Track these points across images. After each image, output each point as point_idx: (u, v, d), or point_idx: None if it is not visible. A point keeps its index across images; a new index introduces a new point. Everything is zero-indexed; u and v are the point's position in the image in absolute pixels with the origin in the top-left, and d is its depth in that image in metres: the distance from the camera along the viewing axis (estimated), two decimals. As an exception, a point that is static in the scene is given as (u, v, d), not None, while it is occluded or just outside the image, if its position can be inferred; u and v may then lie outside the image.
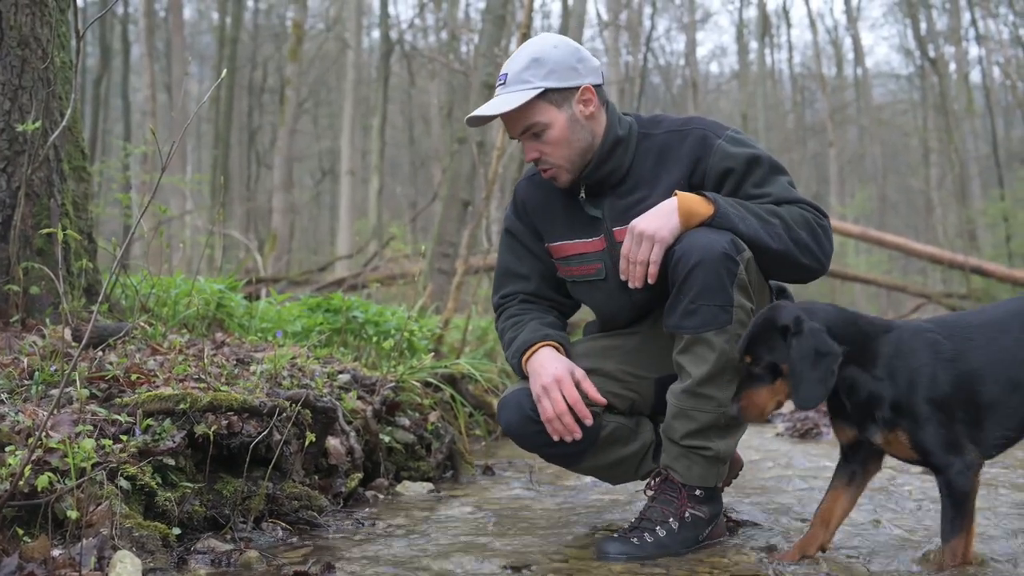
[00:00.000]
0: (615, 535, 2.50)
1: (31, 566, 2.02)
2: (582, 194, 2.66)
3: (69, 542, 2.16)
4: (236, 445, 2.74)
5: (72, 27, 3.89)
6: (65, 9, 3.90)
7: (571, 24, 14.94)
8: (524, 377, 2.64)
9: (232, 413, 2.76)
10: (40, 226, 3.58)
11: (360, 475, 3.35)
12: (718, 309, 2.36)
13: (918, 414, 2.16)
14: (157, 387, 2.83)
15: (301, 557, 2.45)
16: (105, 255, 4.49)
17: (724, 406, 2.37)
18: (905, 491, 3.31)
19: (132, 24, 25.20)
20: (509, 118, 2.58)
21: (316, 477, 3.15)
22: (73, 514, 2.13)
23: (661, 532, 2.46)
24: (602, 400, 2.55)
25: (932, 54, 27.10)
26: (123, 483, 2.35)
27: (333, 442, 3.28)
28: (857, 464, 2.34)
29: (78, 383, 2.64)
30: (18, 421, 2.41)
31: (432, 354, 4.85)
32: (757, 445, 4.49)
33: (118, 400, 2.71)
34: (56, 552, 2.10)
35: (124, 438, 2.49)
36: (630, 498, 3.28)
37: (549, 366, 2.55)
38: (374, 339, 5.06)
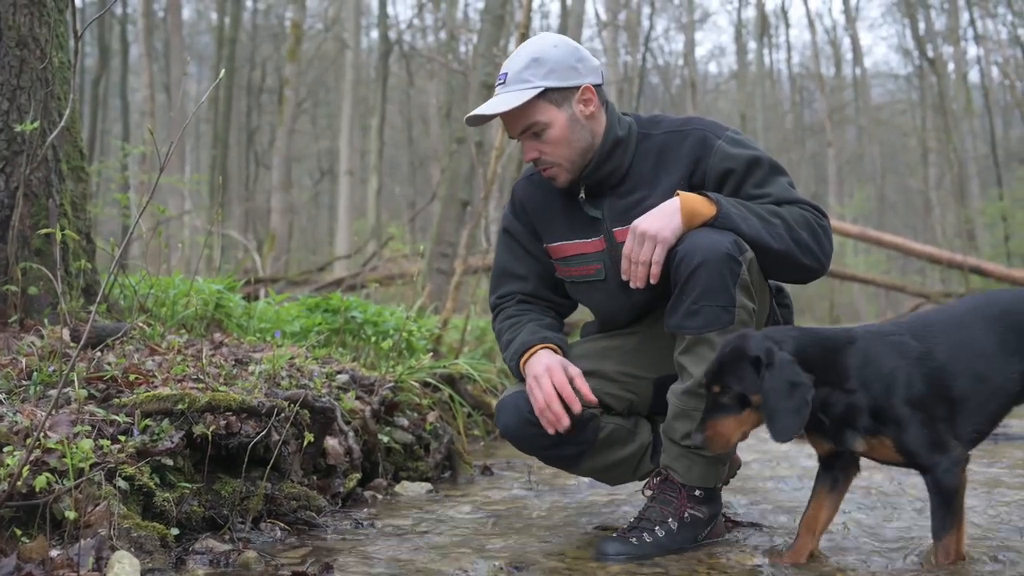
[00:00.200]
0: (614, 535, 2.50)
1: (29, 566, 2.02)
2: (582, 194, 2.65)
3: (67, 542, 2.15)
4: (234, 445, 2.74)
5: (70, 27, 3.89)
6: (63, 9, 3.90)
7: (570, 24, 14.94)
8: (522, 379, 2.64)
9: (230, 413, 2.76)
10: (38, 226, 3.57)
11: (358, 475, 3.35)
12: (720, 310, 2.35)
13: (899, 417, 2.16)
14: (155, 387, 2.83)
15: (299, 557, 2.45)
16: (103, 255, 4.49)
17: None
18: (904, 491, 3.31)
19: (130, 24, 25.20)
20: (509, 117, 2.57)
21: (314, 477, 3.15)
22: (71, 514, 2.13)
23: (660, 532, 2.46)
24: (594, 399, 2.53)
25: (931, 54, 27.14)
26: (121, 483, 2.35)
27: (331, 442, 3.28)
28: (837, 470, 2.34)
29: (76, 383, 2.64)
30: (16, 421, 2.41)
31: (431, 354, 4.85)
32: (756, 445, 4.49)
33: (116, 400, 2.71)
34: (54, 552, 2.10)
35: (122, 438, 2.49)
36: (629, 498, 3.27)
37: (543, 360, 2.55)
38: (373, 339, 5.06)
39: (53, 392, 2.59)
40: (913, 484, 3.45)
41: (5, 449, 2.28)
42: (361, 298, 7.53)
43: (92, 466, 2.25)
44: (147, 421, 2.62)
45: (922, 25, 28.22)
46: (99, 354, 3.07)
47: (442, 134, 21.92)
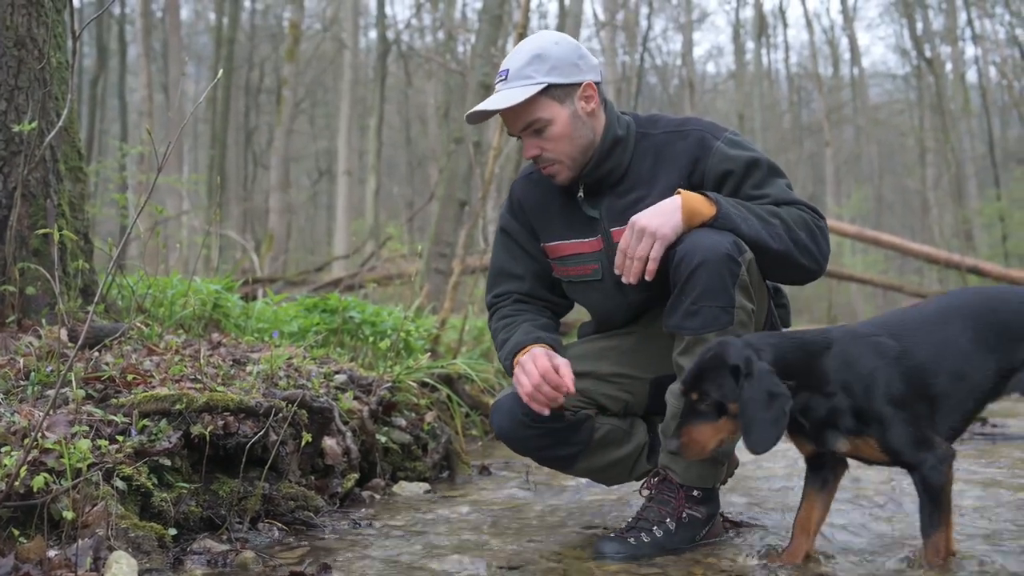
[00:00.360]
0: (612, 535, 2.50)
1: (27, 567, 2.02)
2: (581, 193, 2.65)
3: (65, 543, 2.16)
4: (232, 445, 2.74)
5: (68, 27, 3.89)
6: (61, 9, 3.90)
7: (568, 24, 14.94)
8: None
9: (228, 413, 2.76)
10: (36, 226, 3.57)
11: (356, 475, 3.35)
12: (720, 310, 2.35)
13: (883, 417, 2.16)
14: (153, 387, 2.83)
15: (297, 557, 2.45)
16: (101, 255, 4.49)
17: None
18: (901, 490, 3.32)
19: (129, 24, 25.18)
20: (510, 114, 2.56)
21: (312, 477, 3.15)
22: (69, 515, 2.13)
23: (658, 532, 2.47)
24: (573, 390, 2.47)
25: (928, 54, 27.16)
26: (119, 484, 2.35)
27: (329, 442, 3.28)
28: (826, 470, 2.34)
29: (74, 384, 2.64)
30: (14, 422, 2.41)
31: (428, 354, 4.85)
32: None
33: (114, 401, 2.71)
34: (52, 553, 2.10)
35: (120, 439, 2.49)
36: (627, 498, 3.28)
37: (531, 352, 2.53)
38: (370, 339, 5.06)
39: (51, 392, 2.59)
40: (910, 483, 3.45)
41: (3, 449, 2.28)
42: (359, 298, 7.53)
43: (90, 466, 2.25)
44: (145, 421, 2.62)
45: (920, 25, 28.24)
46: (97, 354, 3.07)
47: (440, 134, 21.91)
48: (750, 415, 2.10)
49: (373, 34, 27.24)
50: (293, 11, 18.52)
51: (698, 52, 45.79)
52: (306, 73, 27.67)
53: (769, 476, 3.71)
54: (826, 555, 2.40)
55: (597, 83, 2.61)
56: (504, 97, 2.52)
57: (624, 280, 2.45)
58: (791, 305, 2.90)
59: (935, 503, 2.18)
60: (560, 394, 2.48)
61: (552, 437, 2.62)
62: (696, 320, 2.37)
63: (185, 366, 3.15)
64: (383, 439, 3.65)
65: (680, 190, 2.43)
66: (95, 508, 2.23)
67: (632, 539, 2.44)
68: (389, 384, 3.87)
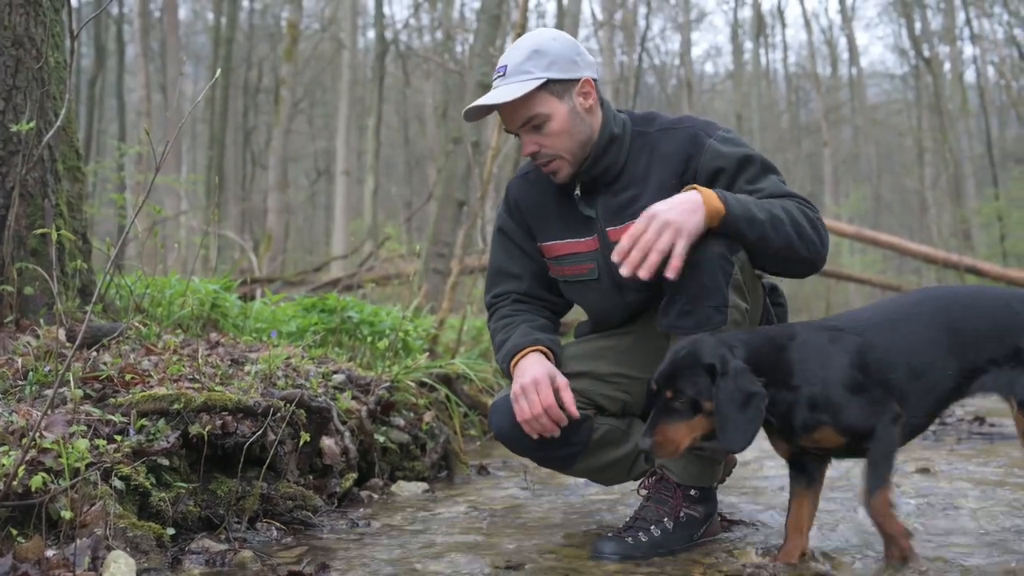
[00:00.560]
0: (610, 534, 2.50)
1: (25, 566, 2.02)
2: (577, 191, 2.65)
3: (63, 542, 2.16)
4: (230, 445, 2.74)
5: (66, 27, 3.89)
6: (59, 9, 3.90)
7: (566, 24, 14.94)
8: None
9: (226, 413, 2.76)
10: (34, 226, 3.57)
11: (355, 475, 3.35)
12: (713, 310, 2.35)
13: (835, 402, 2.17)
14: (151, 387, 2.83)
15: (296, 557, 2.45)
16: (100, 255, 4.48)
17: None
18: (900, 490, 3.32)
19: (127, 24, 25.16)
20: (509, 110, 2.55)
21: (311, 477, 3.15)
22: (67, 514, 2.13)
23: (656, 532, 2.47)
24: (576, 413, 2.50)
25: (927, 54, 27.17)
26: (117, 483, 2.35)
27: (328, 442, 3.28)
28: (810, 468, 2.34)
29: (72, 383, 2.64)
30: (12, 421, 2.41)
31: (427, 354, 4.85)
32: (753, 444, 4.49)
33: (112, 400, 2.71)
34: (50, 552, 2.10)
35: (118, 438, 2.49)
36: (625, 497, 3.28)
37: (530, 370, 2.53)
38: (369, 339, 5.06)
39: (49, 392, 2.59)
40: (908, 482, 3.45)
41: (1, 449, 2.28)
42: (357, 298, 7.52)
43: (88, 466, 2.25)
44: (143, 421, 2.62)
45: (918, 25, 28.25)
46: (95, 354, 3.07)
47: (438, 134, 21.91)
48: (726, 414, 2.10)
49: (371, 34, 27.27)
50: (291, 11, 18.51)
51: (696, 52, 45.74)
52: (304, 73, 27.66)
53: (767, 475, 3.71)
54: (823, 553, 2.40)
55: (594, 80, 2.61)
56: (503, 92, 2.52)
57: (640, 274, 2.29)
58: (789, 304, 2.90)
59: (887, 459, 2.17)
60: (557, 428, 2.49)
61: (550, 438, 2.62)
62: (690, 320, 2.37)
63: (183, 366, 3.15)
64: (381, 439, 3.65)
65: (696, 187, 2.35)
66: (93, 508, 2.23)
67: (630, 538, 2.45)
68: (387, 384, 3.87)
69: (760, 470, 3.86)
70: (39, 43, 3.66)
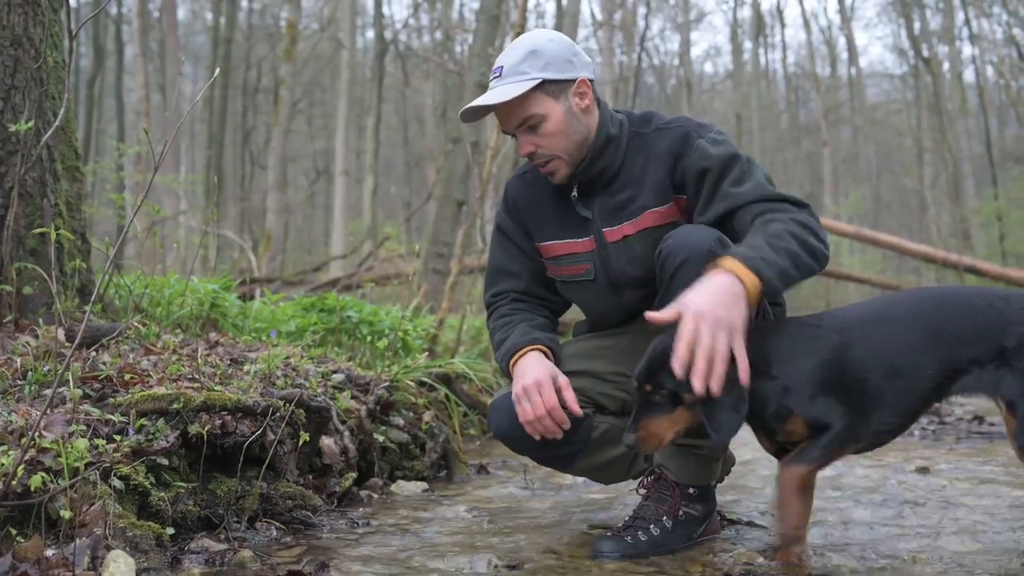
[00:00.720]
0: (609, 534, 2.50)
1: (24, 566, 2.02)
2: (574, 193, 2.65)
3: (62, 542, 2.15)
4: (230, 445, 2.74)
5: (65, 27, 3.89)
6: (58, 9, 3.90)
7: (565, 24, 14.93)
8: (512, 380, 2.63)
9: (226, 413, 2.76)
10: (33, 226, 3.57)
11: (354, 474, 3.35)
12: None
13: (806, 393, 2.18)
14: (151, 387, 2.83)
15: (295, 557, 2.45)
16: (99, 255, 4.48)
17: None
18: (897, 487, 3.32)
19: (126, 24, 25.17)
20: (505, 110, 2.54)
21: (310, 477, 3.15)
22: (66, 514, 2.13)
23: (655, 531, 2.47)
24: (579, 411, 2.50)
25: (926, 54, 27.18)
26: (116, 483, 2.35)
27: (327, 442, 3.28)
28: None
29: (71, 383, 2.64)
30: (11, 421, 2.41)
31: (426, 354, 4.85)
32: (751, 443, 4.50)
33: (111, 400, 2.71)
34: (49, 552, 2.10)
35: (118, 438, 2.49)
36: (624, 497, 3.28)
37: (532, 370, 2.52)
38: (368, 339, 5.06)
39: (48, 392, 2.59)
40: (907, 481, 3.46)
41: (0, 448, 2.28)
42: (357, 298, 7.52)
43: (87, 465, 2.25)
44: (142, 421, 2.62)
45: (917, 25, 28.26)
46: (94, 354, 3.07)
47: (438, 134, 21.91)
48: (711, 403, 2.11)
49: (370, 34, 27.29)
50: (290, 11, 18.52)
51: (696, 52, 45.77)
52: (303, 73, 27.66)
53: (765, 474, 3.71)
54: (820, 552, 2.40)
55: (591, 80, 2.61)
56: (499, 93, 2.51)
57: (712, 386, 2.08)
58: (788, 304, 2.90)
59: (826, 450, 2.18)
60: (560, 430, 2.49)
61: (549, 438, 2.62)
62: None
63: (182, 365, 3.15)
64: (381, 438, 3.65)
65: (730, 266, 2.16)
66: (93, 507, 2.23)
67: (629, 537, 2.45)
68: (387, 383, 3.87)
69: (759, 469, 3.86)
70: (38, 43, 3.66)
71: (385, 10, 29.95)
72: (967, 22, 27.89)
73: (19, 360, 2.94)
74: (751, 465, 3.93)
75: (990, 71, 28.59)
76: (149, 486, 2.45)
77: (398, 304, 6.52)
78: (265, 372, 3.32)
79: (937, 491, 3.27)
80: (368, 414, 3.60)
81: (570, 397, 2.49)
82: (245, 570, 2.32)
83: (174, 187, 15.82)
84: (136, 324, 3.69)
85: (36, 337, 3.21)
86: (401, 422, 3.86)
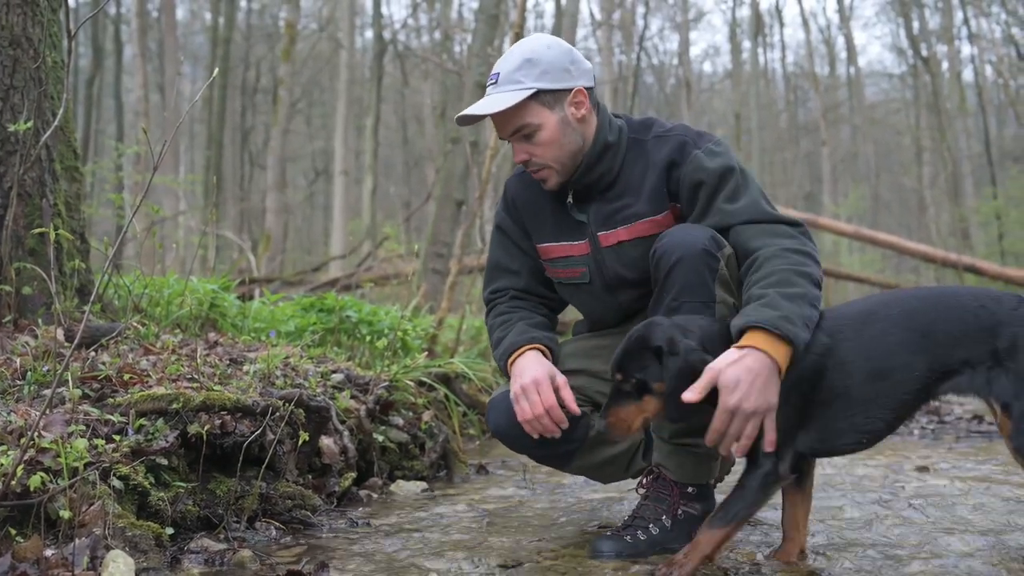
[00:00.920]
0: (608, 533, 2.51)
1: (24, 566, 2.02)
2: (569, 199, 2.64)
3: (62, 542, 2.15)
4: (229, 445, 2.74)
5: (64, 27, 3.88)
6: (57, 9, 3.89)
7: (564, 24, 14.93)
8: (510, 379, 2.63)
9: (225, 413, 2.76)
10: (32, 226, 3.57)
11: (354, 474, 3.35)
12: (700, 305, 2.35)
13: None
14: (150, 387, 2.83)
15: (295, 556, 2.45)
16: (98, 255, 4.48)
17: None
18: (898, 489, 3.33)
19: (124, 24, 25.17)
20: (500, 118, 2.54)
21: (310, 476, 3.15)
22: (66, 514, 2.13)
23: (654, 530, 2.47)
24: (576, 410, 2.50)
25: (924, 53, 27.20)
26: (116, 483, 2.35)
27: (326, 441, 3.28)
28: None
29: (70, 383, 2.64)
30: (10, 421, 2.41)
31: (426, 353, 4.85)
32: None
33: (111, 400, 2.71)
34: (49, 552, 2.10)
35: (117, 438, 2.49)
36: (623, 496, 3.28)
37: (530, 369, 2.52)
38: (368, 339, 5.06)
39: (47, 392, 2.59)
40: (906, 480, 3.46)
41: (-1, 449, 2.28)
42: (356, 298, 7.52)
43: (87, 465, 2.25)
44: (142, 420, 2.62)
45: (916, 24, 28.26)
46: (93, 354, 3.07)
47: (437, 134, 21.92)
48: (672, 387, 2.13)
49: (369, 34, 27.28)
50: (289, 11, 18.52)
51: (694, 51, 45.74)
52: (302, 73, 27.66)
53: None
54: (820, 552, 2.40)
55: (589, 88, 2.58)
56: (492, 102, 2.51)
57: (735, 452, 2.16)
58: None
59: (744, 504, 2.19)
60: (558, 429, 2.49)
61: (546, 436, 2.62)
62: (677, 316, 2.36)
63: (182, 365, 3.15)
64: (380, 438, 3.65)
65: (761, 344, 2.14)
66: (92, 507, 2.23)
67: (628, 537, 2.45)
68: (386, 383, 3.87)
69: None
70: (36, 43, 3.66)
71: (384, 10, 29.94)
72: (966, 21, 27.90)
73: (18, 360, 2.94)
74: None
75: (989, 70, 28.61)
76: (148, 486, 2.45)
77: (397, 304, 6.52)
78: (264, 372, 3.32)
79: (936, 490, 3.27)
80: (367, 414, 3.60)
81: (568, 396, 2.49)
82: (244, 570, 2.32)
83: (173, 187, 15.82)
84: (135, 324, 3.69)
85: (35, 337, 3.21)
86: (400, 422, 3.86)
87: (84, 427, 2.46)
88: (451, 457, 3.95)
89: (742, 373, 2.10)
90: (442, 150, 10.65)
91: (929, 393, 2.22)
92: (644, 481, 2.63)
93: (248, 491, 2.72)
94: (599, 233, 2.60)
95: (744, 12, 34.03)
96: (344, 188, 19.97)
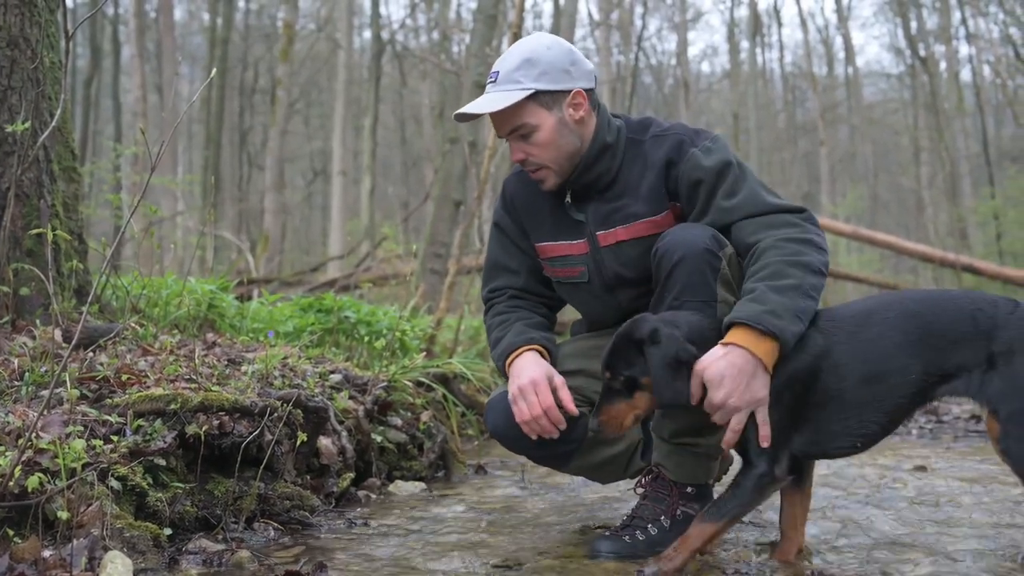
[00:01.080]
0: (607, 533, 2.51)
1: (22, 567, 2.02)
2: (568, 198, 2.64)
3: (60, 543, 2.15)
4: (227, 445, 2.74)
5: (61, 27, 3.88)
6: (54, 9, 3.89)
7: (562, 24, 14.94)
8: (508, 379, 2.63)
9: (223, 413, 2.76)
10: (30, 227, 3.57)
11: (352, 475, 3.35)
12: (702, 305, 2.34)
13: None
14: (148, 387, 2.83)
15: (293, 557, 2.45)
16: (95, 256, 4.48)
17: None
18: (896, 489, 3.33)
19: (122, 25, 25.16)
20: (498, 117, 2.55)
21: (308, 477, 3.15)
22: (64, 515, 2.13)
23: (653, 530, 2.47)
24: (574, 411, 2.49)
25: (922, 53, 27.21)
26: (114, 483, 2.35)
27: (325, 442, 3.28)
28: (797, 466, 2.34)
29: (68, 384, 2.64)
30: (8, 422, 2.41)
31: (424, 354, 4.85)
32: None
33: (109, 401, 2.71)
34: (47, 553, 2.10)
35: (115, 438, 2.49)
36: (622, 496, 3.28)
37: (527, 370, 2.52)
38: (366, 339, 5.06)
39: (45, 392, 2.58)
40: (904, 480, 3.46)
41: (-3, 450, 2.27)
42: (355, 298, 7.52)
43: (84, 466, 2.25)
44: (140, 421, 2.62)
45: (914, 24, 28.28)
46: (91, 354, 3.06)
47: (435, 134, 21.91)
48: (655, 375, 2.15)
49: (367, 34, 27.28)
50: (287, 11, 18.51)
51: (693, 52, 45.70)
52: (300, 73, 27.64)
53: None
54: (819, 551, 2.40)
55: (589, 90, 2.58)
56: (490, 100, 2.51)
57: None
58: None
59: (739, 500, 2.19)
60: (556, 430, 2.48)
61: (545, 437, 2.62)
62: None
63: (180, 366, 3.15)
64: (379, 438, 3.65)
65: (741, 340, 2.16)
66: (90, 508, 2.23)
67: (627, 537, 2.45)
68: (385, 384, 3.87)
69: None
70: (34, 43, 3.65)
71: (382, 10, 29.95)
72: (964, 21, 27.91)
73: (16, 361, 2.94)
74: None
75: (987, 70, 28.60)
76: (147, 487, 2.45)
77: (396, 304, 6.52)
78: (263, 372, 3.32)
79: (934, 490, 3.27)
80: (366, 414, 3.60)
81: (566, 396, 2.48)
82: (243, 570, 2.32)
83: (171, 188, 15.81)
84: (133, 325, 3.69)
85: (33, 338, 3.21)
86: (399, 422, 3.86)
87: (82, 428, 2.45)
88: (449, 457, 3.95)
89: (725, 369, 2.14)
90: (440, 150, 10.64)
91: (926, 396, 2.22)
92: (643, 481, 2.63)
93: (246, 492, 2.72)
94: (597, 233, 2.60)
95: (742, 12, 34.09)
96: (342, 188, 19.96)
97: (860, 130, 32.57)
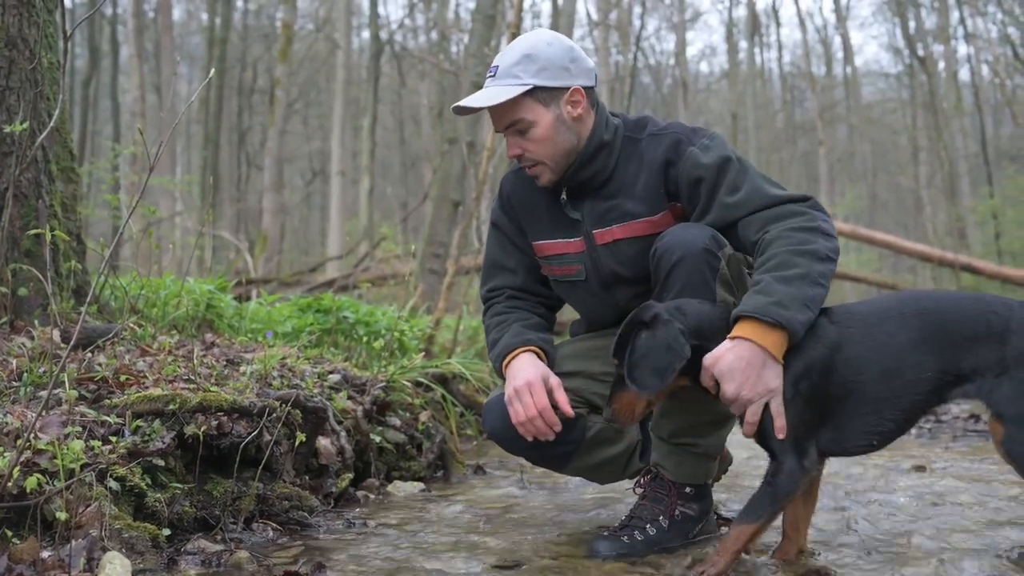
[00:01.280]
0: (606, 533, 2.51)
1: (20, 568, 2.02)
2: (563, 196, 2.64)
3: (58, 543, 2.15)
4: (226, 445, 2.74)
5: (60, 28, 3.88)
6: (53, 10, 3.89)
7: (561, 24, 14.94)
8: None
9: (222, 413, 2.76)
10: (28, 227, 3.56)
11: (351, 475, 3.35)
12: None
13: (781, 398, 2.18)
14: (146, 388, 2.83)
15: (292, 557, 2.45)
16: (94, 256, 4.48)
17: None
18: (895, 488, 3.33)
19: (121, 25, 25.13)
20: (495, 111, 2.56)
21: (306, 477, 3.15)
22: (62, 515, 2.13)
23: (651, 530, 2.47)
24: (570, 412, 2.49)
25: (921, 52, 27.22)
26: (112, 484, 2.35)
27: (323, 442, 3.28)
28: None
29: (67, 384, 2.64)
30: (7, 423, 2.40)
31: (423, 354, 4.85)
32: (747, 443, 4.49)
33: (107, 401, 2.71)
34: (45, 553, 2.10)
35: (113, 439, 2.49)
36: (621, 496, 3.28)
37: (523, 371, 2.51)
38: (364, 339, 5.06)
39: (44, 393, 2.58)
40: (903, 479, 3.46)
41: (-5, 450, 2.27)
42: (353, 298, 7.52)
43: (83, 467, 2.25)
44: (138, 422, 2.61)
45: (912, 24, 28.31)
46: (90, 355, 3.06)
47: (434, 134, 21.90)
48: (637, 358, 2.16)
49: (366, 34, 27.28)
50: (286, 11, 18.49)
51: (691, 51, 45.78)
52: (299, 73, 27.63)
53: (763, 474, 3.71)
54: (818, 551, 2.41)
55: (588, 87, 2.57)
56: (489, 95, 2.52)
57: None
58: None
59: (773, 502, 2.19)
60: (551, 432, 2.48)
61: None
62: None
63: (178, 366, 3.15)
64: (377, 439, 3.65)
65: (748, 333, 2.16)
66: (88, 509, 2.23)
67: (626, 537, 2.45)
68: (383, 384, 3.87)
69: (756, 468, 3.86)
70: (32, 44, 3.65)
71: (381, 10, 29.90)
72: (962, 21, 27.92)
73: (15, 361, 2.93)
74: (747, 464, 3.93)
75: (985, 70, 28.61)
76: (145, 487, 2.45)
77: (394, 304, 6.52)
78: (261, 373, 3.32)
79: (933, 489, 3.27)
80: (365, 414, 3.59)
81: (561, 398, 2.48)
82: (241, 571, 2.31)
83: (170, 188, 15.81)
84: (132, 325, 3.69)
85: (32, 338, 3.21)
86: (398, 422, 3.86)
87: (80, 428, 2.45)
88: (448, 457, 3.95)
89: (734, 362, 2.15)
90: (439, 150, 10.64)
91: (940, 396, 2.22)
92: (642, 481, 2.63)
93: (245, 492, 2.72)
94: (594, 231, 2.60)
95: (740, 12, 34.14)
96: (341, 188, 19.95)
97: (859, 130, 32.59)
